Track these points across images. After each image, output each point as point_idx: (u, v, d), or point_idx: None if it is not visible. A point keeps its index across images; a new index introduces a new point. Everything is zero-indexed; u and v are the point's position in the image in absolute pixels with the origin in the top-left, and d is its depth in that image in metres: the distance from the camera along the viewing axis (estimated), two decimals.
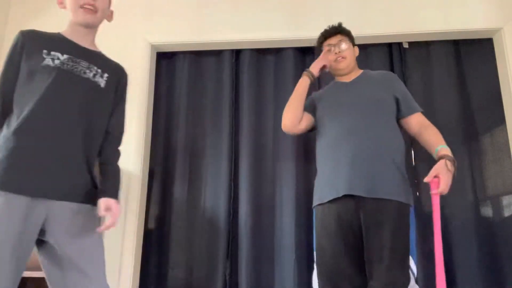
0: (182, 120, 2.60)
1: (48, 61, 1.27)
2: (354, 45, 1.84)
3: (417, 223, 2.22)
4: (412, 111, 1.71)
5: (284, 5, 2.59)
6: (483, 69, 2.46)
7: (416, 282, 1.90)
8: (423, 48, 2.55)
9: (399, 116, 1.71)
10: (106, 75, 1.39)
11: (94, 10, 1.34)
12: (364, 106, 1.63)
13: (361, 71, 1.84)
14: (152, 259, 2.43)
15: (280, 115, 2.51)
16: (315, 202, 1.66)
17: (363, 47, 2.58)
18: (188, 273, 2.37)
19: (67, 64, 1.30)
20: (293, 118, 1.80)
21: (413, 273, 1.85)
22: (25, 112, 1.23)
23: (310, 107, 1.85)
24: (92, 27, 1.40)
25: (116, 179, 1.40)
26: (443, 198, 1.62)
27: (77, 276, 1.22)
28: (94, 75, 1.35)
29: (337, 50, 1.76)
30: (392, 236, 1.43)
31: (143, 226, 2.45)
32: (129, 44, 2.59)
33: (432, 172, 1.46)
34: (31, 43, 1.30)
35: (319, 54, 1.87)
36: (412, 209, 1.60)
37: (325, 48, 1.82)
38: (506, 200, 2.25)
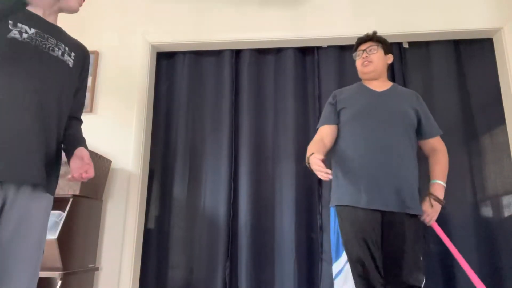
0: (182, 120, 2.60)
1: (15, 33, 1.15)
2: (387, 53, 1.88)
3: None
4: (430, 135, 1.81)
5: (284, 5, 2.59)
6: (483, 69, 2.46)
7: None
8: (423, 48, 2.55)
9: (418, 137, 1.80)
10: (73, 54, 1.32)
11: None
12: (394, 122, 1.70)
13: (391, 83, 1.88)
14: (152, 259, 2.43)
15: (280, 114, 2.54)
16: (343, 202, 1.68)
17: None
18: (188, 273, 2.37)
19: (36, 40, 1.20)
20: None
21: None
22: None
23: (335, 116, 1.83)
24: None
25: (79, 135, 1.38)
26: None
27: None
28: (63, 54, 1.28)
29: (365, 54, 1.83)
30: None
31: (143, 226, 2.45)
32: (129, 44, 2.59)
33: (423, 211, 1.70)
34: None
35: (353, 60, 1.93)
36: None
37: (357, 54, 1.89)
38: (506, 200, 2.25)
